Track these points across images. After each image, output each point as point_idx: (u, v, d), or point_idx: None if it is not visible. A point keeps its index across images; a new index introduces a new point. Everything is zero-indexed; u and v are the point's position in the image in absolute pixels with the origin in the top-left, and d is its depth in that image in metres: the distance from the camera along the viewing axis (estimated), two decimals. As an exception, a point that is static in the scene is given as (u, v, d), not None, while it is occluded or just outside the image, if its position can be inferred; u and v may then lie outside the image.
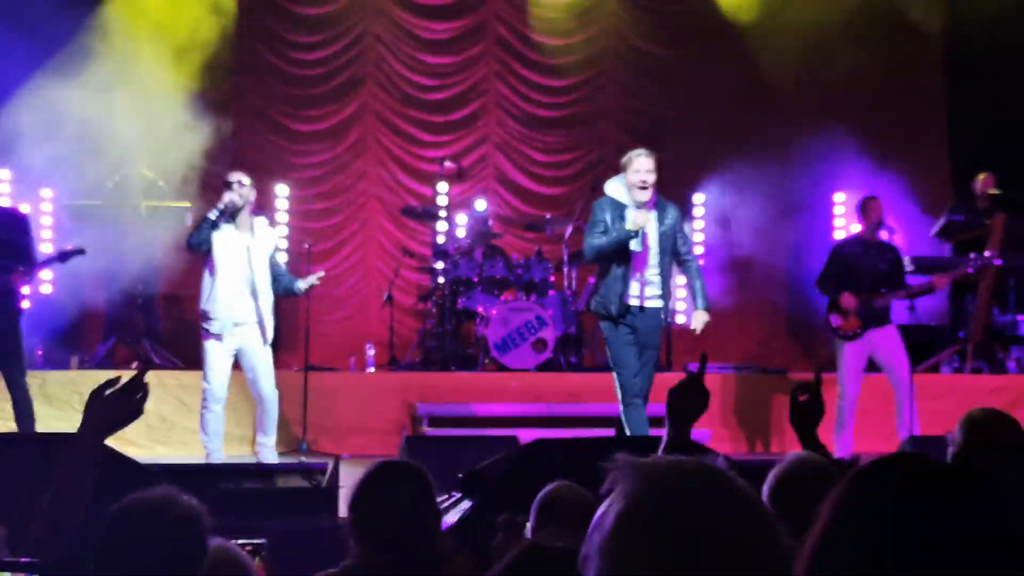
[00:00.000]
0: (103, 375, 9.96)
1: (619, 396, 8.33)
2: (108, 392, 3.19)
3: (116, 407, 3.19)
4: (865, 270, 9.85)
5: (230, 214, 8.71)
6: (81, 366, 11.09)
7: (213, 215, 8.65)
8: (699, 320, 8.57)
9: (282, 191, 12.94)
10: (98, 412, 3.21)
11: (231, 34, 13.03)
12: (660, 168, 8.34)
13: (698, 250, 13.68)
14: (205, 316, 8.76)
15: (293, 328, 12.06)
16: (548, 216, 12.55)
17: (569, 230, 12.00)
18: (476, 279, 11.77)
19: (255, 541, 3.82)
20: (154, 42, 12.03)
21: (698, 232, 13.71)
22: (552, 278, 11.79)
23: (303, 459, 9.20)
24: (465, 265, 11.83)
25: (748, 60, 14.02)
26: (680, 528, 1.53)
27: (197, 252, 8.76)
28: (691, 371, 3.39)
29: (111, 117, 11.50)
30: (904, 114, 14.42)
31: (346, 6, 13.58)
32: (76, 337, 12.40)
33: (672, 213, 8.35)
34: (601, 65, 14.11)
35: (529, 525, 3.64)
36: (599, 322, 8.48)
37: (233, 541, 3.31)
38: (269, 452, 8.93)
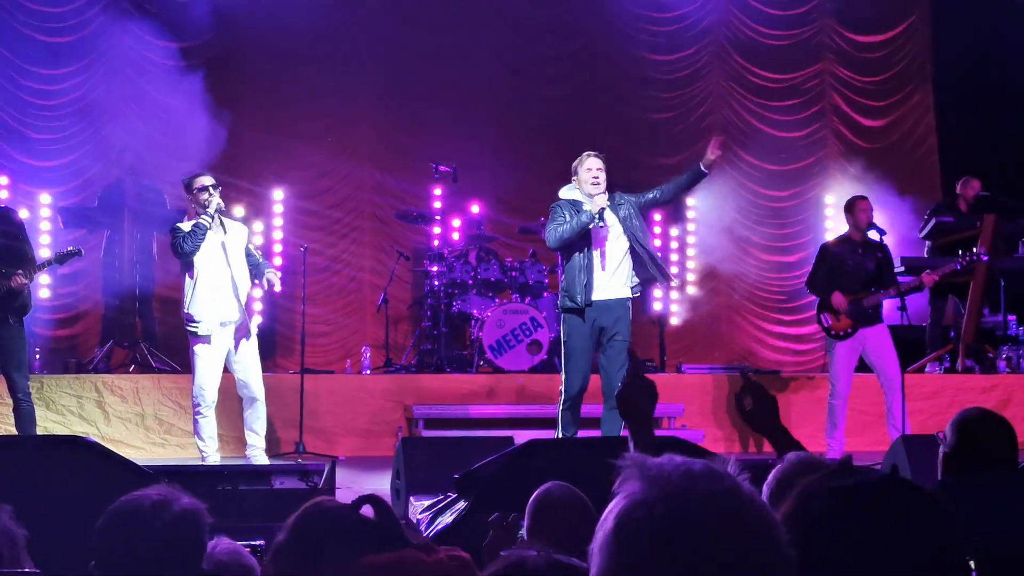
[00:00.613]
0: (100, 379, 10.05)
1: (561, 399, 8.39)
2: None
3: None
4: (854, 270, 9.89)
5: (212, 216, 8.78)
6: (79, 370, 11.12)
7: (207, 221, 8.69)
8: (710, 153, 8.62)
9: (278, 195, 12.98)
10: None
11: (227, 40, 13.10)
12: (609, 171, 8.60)
13: (690, 251, 13.75)
14: (190, 319, 8.77)
15: (290, 331, 12.12)
16: (542, 220, 12.57)
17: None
18: (471, 282, 11.82)
19: (253, 543, 3.84)
20: (153, 47, 12.10)
21: (691, 235, 13.76)
22: (546, 280, 11.84)
23: (300, 461, 9.24)
24: (460, 268, 11.88)
25: (734, 62, 14.14)
26: (684, 530, 1.54)
27: (189, 259, 8.75)
28: (634, 365, 3.43)
29: (108, 122, 11.56)
30: (894, 116, 14.51)
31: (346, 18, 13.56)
32: (74, 341, 12.45)
33: (627, 198, 8.57)
34: (592, 71, 14.15)
35: (524, 525, 3.67)
36: (563, 319, 8.52)
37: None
38: (259, 453, 8.92)
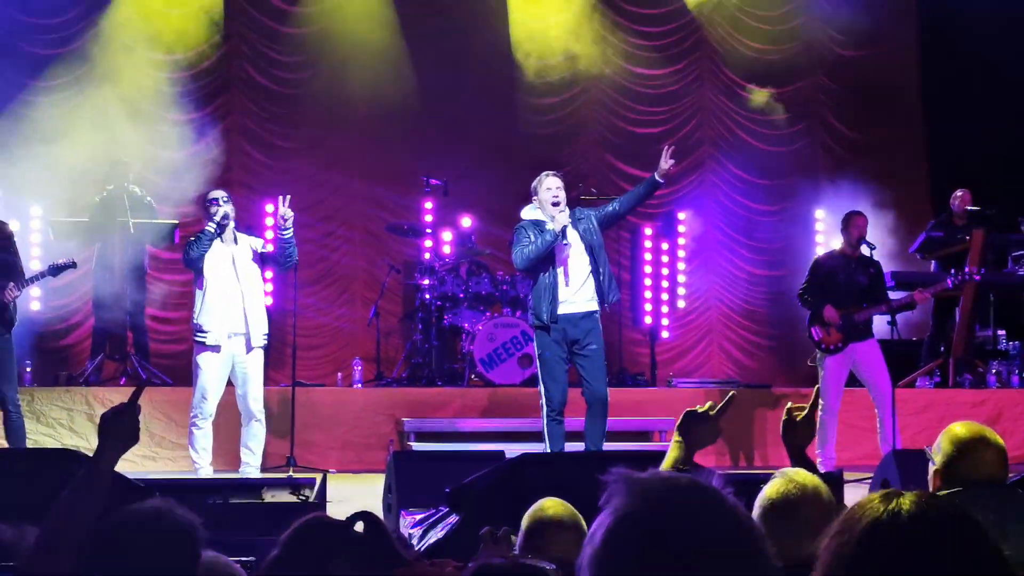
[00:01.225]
0: (91, 392, 10.03)
1: (543, 411, 8.56)
2: (119, 415, 3.20)
3: (124, 430, 3.21)
4: (845, 284, 9.92)
5: (222, 228, 8.85)
6: (69, 383, 11.10)
7: (211, 227, 8.78)
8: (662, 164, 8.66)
9: (268, 208, 12.96)
10: (113, 435, 3.21)
11: (219, 53, 13.12)
12: (568, 188, 8.98)
13: (680, 266, 13.76)
14: (198, 329, 8.86)
15: (280, 344, 12.10)
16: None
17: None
18: (462, 295, 11.83)
19: (244, 559, 3.82)
20: (144, 59, 12.10)
21: (681, 249, 13.77)
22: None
23: (291, 474, 9.23)
24: (451, 281, 11.89)
25: (724, 76, 14.19)
26: (670, 544, 1.55)
27: (196, 267, 8.87)
28: (713, 407, 3.49)
29: (99, 134, 11.55)
30: (883, 130, 14.56)
31: (331, 26, 13.59)
32: (64, 354, 12.42)
33: (585, 212, 8.83)
34: (582, 84, 14.18)
35: (517, 541, 3.67)
36: (535, 334, 8.76)
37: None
38: (253, 472, 8.94)
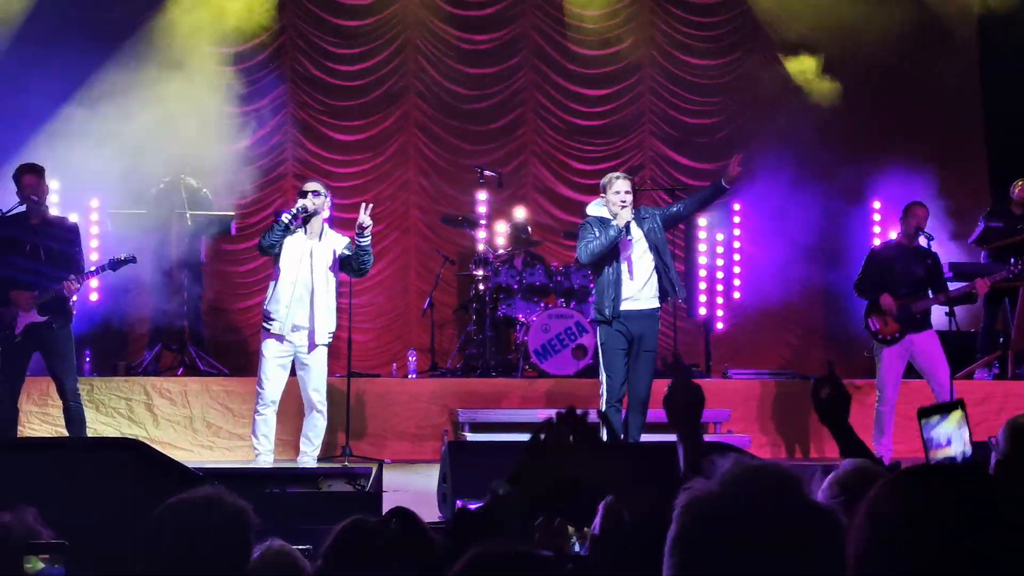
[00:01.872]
0: (149, 381, 10.14)
1: (602, 399, 8.69)
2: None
3: None
4: (902, 274, 9.83)
5: (303, 220, 8.90)
6: (128, 373, 11.23)
7: (285, 218, 8.85)
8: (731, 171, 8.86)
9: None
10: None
11: (275, 46, 13.19)
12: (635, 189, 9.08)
13: (736, 257, 13.68)
14: (267, 316, 8.96)
15: (337, 335, 12.16)
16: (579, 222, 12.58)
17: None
18: (516, 286, 11.83)
19: (301, 547, 3.85)
20: (200, 53, 12.18)
21: (737, 240, 13.69)
22: (591, 285, 11.81)
23: (346, 464, 9.28)
24: (505, 272, 11.89)
25: (784, 67, 14.06)
26: (747, 522, 1.55)
27: (268, 254, 8.97)
28: (679, 371, 3.39)
29: (156, 126, 11.65)
30: (941, 119, 14.39)
31: (387, 18, 13.69)
32: (123, 344, 12.55)
33: (650, 211, 9.00)
34: (639, 74, 14.15)
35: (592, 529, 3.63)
36: (597, 327, 8.87)
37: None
38: (310, 462, 9.02)
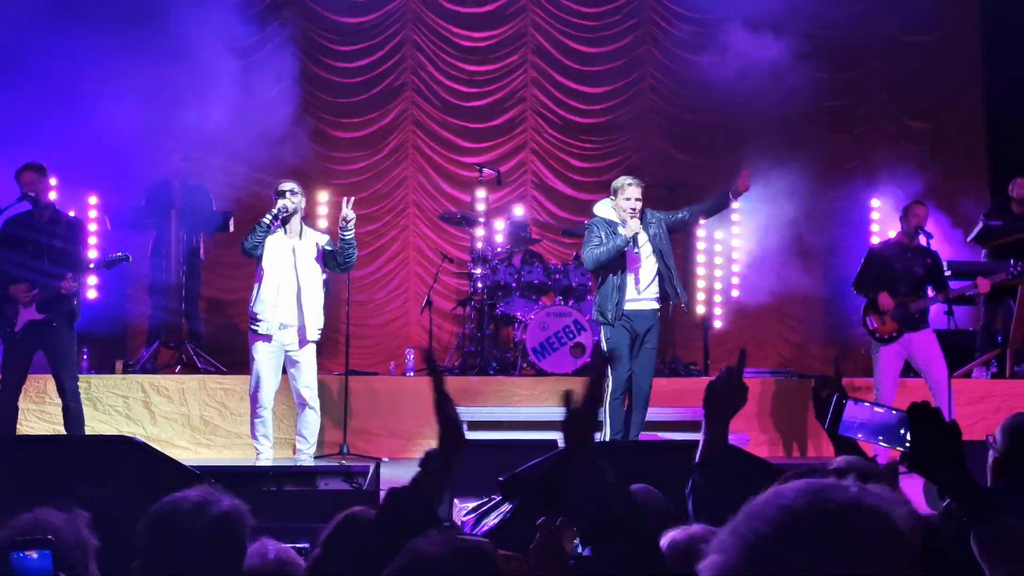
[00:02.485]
0: (147, 379, 10.12)
1: (607, 394, 8.71)
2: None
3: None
4: (901, 273, 9.82)
5: (283, 220, 8.89)
6: (125, 370, 11.22)
7: (267, 219, 8.83)
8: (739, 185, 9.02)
9: (323, 197, 13.02)
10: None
11: (275, 41, 13.18)
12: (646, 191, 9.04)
13: (735, 255, 13.68)
14: (253, 318, 8.92)
15: (334, 333, 12.17)
16: (586, 222, 12.57)
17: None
18: (514, 284, 11.83)
19: (298, 545, 3.85)
20: (200, 47, 12.16)
21: (735, 238, 13.68)
22: (590, 283, 11.82)
23: (343, 462, 9.28)
24: (503, 270, 11.89)
25: (781, 65, 14.04)
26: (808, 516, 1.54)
27: (252, 256, 8.94)
28: (726, 368, 3.35)
29: (156, 121, 11.65)
30: (941, 119, 14.38)
31: (385, 15, 13.68)
32: (121, 341, 12.55)
33: (657, 216, 9.01)
34: (638, 72, 14.14)
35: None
36: (600, 328, 9.00)
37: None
38: (307, 459, 9.01)
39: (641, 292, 8.84)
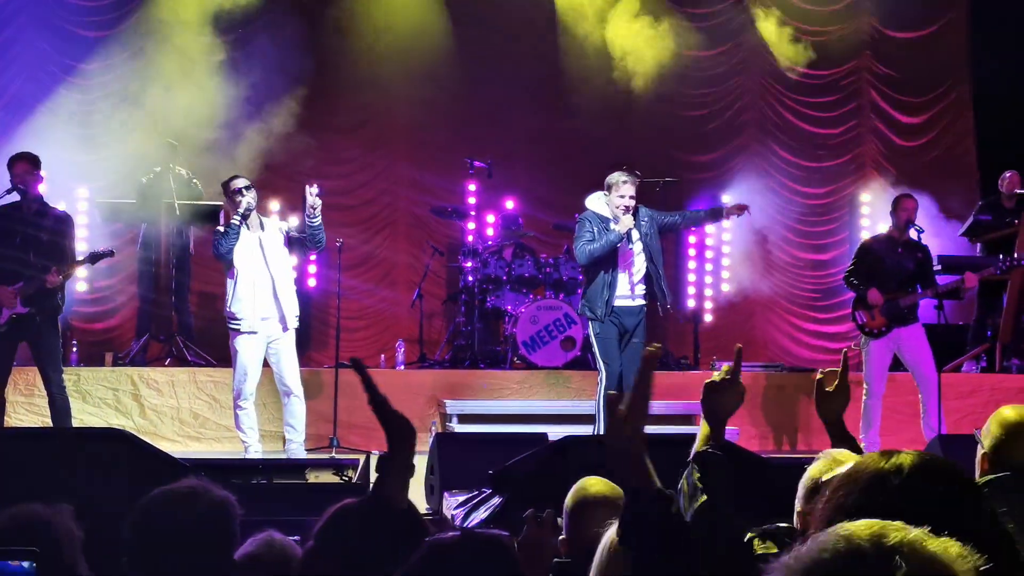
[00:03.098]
0: (136, 372, 10.10)
1: (600, 387, 8.86)
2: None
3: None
4: (892, 268, 9.84)
5: (245, 218, 8.94)
6: (115, 363, 11.19)
7: (236, 221, 8.88)
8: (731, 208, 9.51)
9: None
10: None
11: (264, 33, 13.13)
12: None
13: (725, 249, 13.69)
14: (232, 317, 8.97)
15: (324, 326, 12.16)
16: (577, 216, 12.55)
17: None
18: (505, 278, 11.82)
19: (288, 538, 3.85)
20: (189, 40, 12.14)
21: (726, 232, 13.68)
22: (581, 277, 11.79)
23: (334, 455, 9.27)
24: (494, 264, 11.88)
25: (767, 56, 14.07)
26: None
27: (227, 259, 8.95)
28: (724, 367, 3.36)
29: (146, 114, 11.61)
30: (931, 113, 14.40)
31: (374, 5, 13.58)
32: (110, 334, 12.52)
33: (647, 213, 9.08)
34: (628, 64, 14.10)
35: (563, 521, 3.64)
36: (589, 323, 9.10)
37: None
38: (298, 448, 9.04)
39: (631, 290, 8.92)
